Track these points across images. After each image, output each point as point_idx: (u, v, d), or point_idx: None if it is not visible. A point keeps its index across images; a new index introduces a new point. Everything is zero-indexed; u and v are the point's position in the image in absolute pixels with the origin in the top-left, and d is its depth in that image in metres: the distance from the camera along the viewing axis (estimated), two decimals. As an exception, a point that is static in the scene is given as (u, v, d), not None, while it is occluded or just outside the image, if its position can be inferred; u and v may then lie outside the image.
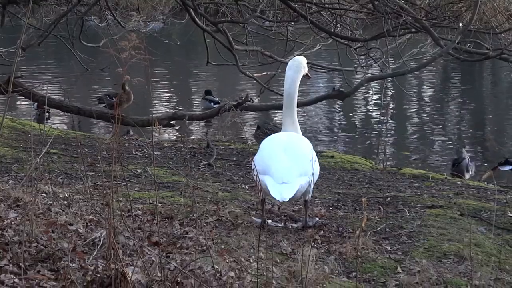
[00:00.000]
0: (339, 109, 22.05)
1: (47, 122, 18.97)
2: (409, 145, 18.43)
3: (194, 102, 23.14)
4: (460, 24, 12.14)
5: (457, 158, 14.65)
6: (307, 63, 7.58)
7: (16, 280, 4.91)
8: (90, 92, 23.15)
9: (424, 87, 26.84)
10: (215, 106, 16.71)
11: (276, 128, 11.73)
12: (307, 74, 7.48)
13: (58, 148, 10.51)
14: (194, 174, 9.27)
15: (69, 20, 13.60)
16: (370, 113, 22.18)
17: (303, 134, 7.37)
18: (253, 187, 8.26)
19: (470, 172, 13.87)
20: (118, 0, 22.59)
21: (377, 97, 23.82)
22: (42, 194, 7.00)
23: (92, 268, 5.16)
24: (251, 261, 5.84)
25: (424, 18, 12.26)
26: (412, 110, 22.62)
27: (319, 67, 13.83)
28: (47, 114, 18.96)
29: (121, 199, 6.56)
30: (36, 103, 16.12)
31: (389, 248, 6.58)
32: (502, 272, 6.14)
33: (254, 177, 6.56)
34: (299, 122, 7.35)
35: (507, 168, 14.15)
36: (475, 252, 6.47)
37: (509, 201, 8.35)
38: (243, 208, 7.54)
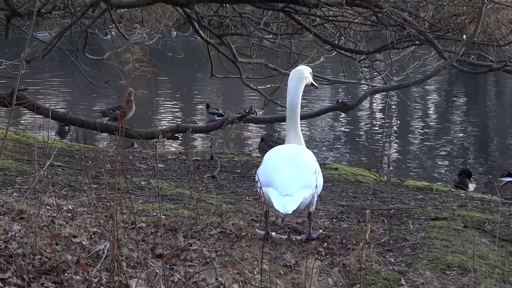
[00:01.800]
0: (343, 122, 22.08)
1: (68, 135, 19.17)
2: (413, 157, 18.45)
3: (198, 114, 23.20)
4: (464, 36, 12.13)
5: (464, 170, 14.75)
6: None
7: (20, 292, 4.93)
8: (94, 105, 23.23)
9: (428, 99, 26.87)
10: (218, 118, 16.73)
11: (280, 141, 11.73)
12: (312, 83, 7.44)
13: (62, 160, 10.52)
14: (198, 186, 9.28)
15: (73, 33, 13.63)
16: (374, 125, 22.20)
17: (307, 146, 7.37)
18: (257, 199, 8.25)
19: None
20: (122, 13, 22.65)
21: (381, 109, 23.83)
22: (46, 207, 7.01)
23: (96, 280, 5.17)
24: (255, 273, 5.83)
25: (428, 31, 12.25)
26: (416, 122, 22.65)
27: (323, 80, 13.83)
28: (67, 127, 19.08)
29: (125, 211, 6.57)
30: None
31: (393, 260, 6.57)
32: (506, 284, 6.13)
33: (258, 189, 6.55)
34: (302, 134, 7.34)
35: (508, 179, 14.26)
36: (479, 264, 6.46)
37: (513, 213, 8.34)
38: (247, 220, 7.54)
